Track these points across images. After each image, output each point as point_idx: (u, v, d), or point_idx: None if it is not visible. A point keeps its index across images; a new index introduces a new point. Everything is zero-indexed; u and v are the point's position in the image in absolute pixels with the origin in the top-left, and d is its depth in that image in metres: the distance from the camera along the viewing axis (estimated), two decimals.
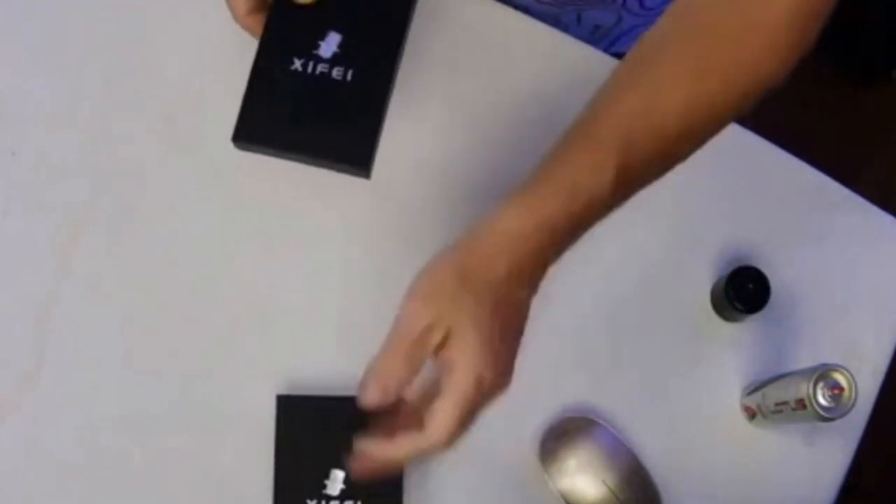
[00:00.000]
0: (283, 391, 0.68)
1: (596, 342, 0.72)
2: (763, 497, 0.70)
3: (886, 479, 1.34)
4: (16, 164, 0.73)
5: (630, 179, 0.53)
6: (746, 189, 0.75)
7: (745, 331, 0.72)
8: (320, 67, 0.60)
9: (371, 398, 0.52)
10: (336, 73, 0.60)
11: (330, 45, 0.61)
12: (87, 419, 0.69)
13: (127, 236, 0.72)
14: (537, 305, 0.73)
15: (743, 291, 0.69)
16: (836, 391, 0.61)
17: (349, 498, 0.65)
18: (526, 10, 0.77)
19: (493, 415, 0.70)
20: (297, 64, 0.60)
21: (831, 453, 0.71)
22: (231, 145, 0.73)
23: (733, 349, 0.72)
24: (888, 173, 1.53)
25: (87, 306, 0.70)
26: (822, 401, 0.60)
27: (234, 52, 0.75)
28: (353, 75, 0.60)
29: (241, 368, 0.70)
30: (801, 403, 0.61)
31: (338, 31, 0.60)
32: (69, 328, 0.70)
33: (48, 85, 0.74)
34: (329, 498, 0.65)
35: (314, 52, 0.60)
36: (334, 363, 0.70)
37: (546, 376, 0.71)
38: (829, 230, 0.75)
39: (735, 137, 0.75)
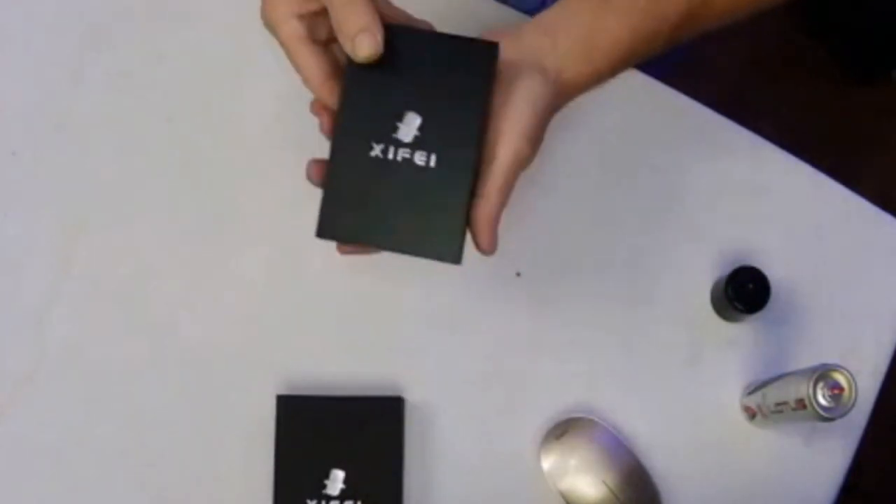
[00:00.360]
0: (283, 391, 0.68)
1: (596, 342, 0.72)
2: (763, 497, 0.70)
3: (886, 479, 1.34)
4: (16, 164, 0.73)
5: (673, 45, 0.61)
6: (746, 189, 0.75)
7: (745, 331, 0.72)
8: (402, 153, 0.56)
9: (490, 244, 0.56)
10: (419, 158, 0.56)
11: (410, 127, 0.56)
12: (86, 419, 0.69)
13: (126, 236, 0.72)
14: (538, 306, 0.73)
15: (743, 291, 0.69)
16: (836, 391, 0.61)
17: (349, 498, 0.65)
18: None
19: (494, 415, 0.71)
20: (377, 150, 0.56)
21: (831, 453, 0.71)
22: (229, 146, 0.74)
23: (733, 349, 0.72)
24: (888, 173, 1.54)
25: (87, 306, 0.70)
26: (822, 401, 0.60)
27: (235, 51, 0.75)
28: (437, 160, 0.56)
29: (241, 368, 0.70)
30: (801, 403, 0.61)
31: (416, 110, 0.56)
32: (69, 328, 0.70)
33: (48, 85, 0.74)
34: (329, 498, 0.65)
35: (393, 135, 0.56)
36: (334, 363, 0.70)
37: (546, 376, 0.71)
38: (829, 230, 0.75)
39: (735, 137, 0.76)
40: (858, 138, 1.59)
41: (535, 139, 0.57)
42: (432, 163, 0.56)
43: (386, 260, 0.70)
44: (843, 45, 1.60)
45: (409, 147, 0.56)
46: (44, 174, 0.73)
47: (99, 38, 0.75)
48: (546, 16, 0.60)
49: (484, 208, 0.55)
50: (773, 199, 0.75)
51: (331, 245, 0.72)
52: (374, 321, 0.71)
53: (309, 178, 0.57)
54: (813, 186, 0.76)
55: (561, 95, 0.58)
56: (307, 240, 0.72)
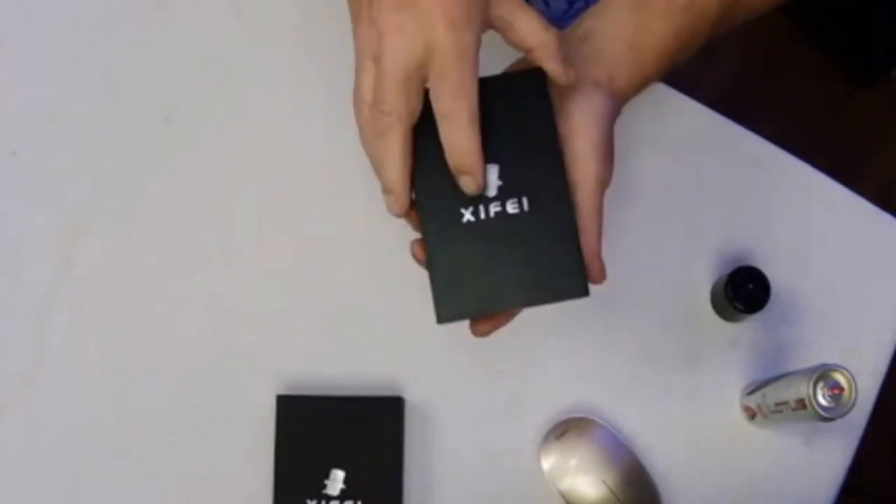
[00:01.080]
0: (283, 391, 0.68)
1: (596, 342, 0.72)
2: (763, 497, 0.70)
3: (886, 479, 1.34)
4: (16, 164, 0.73)
5: (710, 40, 0.61)
6: (746, 189, 0.75)
7: (745, 331, 0.72)
8: (493, 208, 0.54)
9: (601, 273, 0.56)
10: (511, 207, 0.54)
11: (491, 178, 0.54)
12: (86, 419, 0.69)
13: (127, 236, 0.72)
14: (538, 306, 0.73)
15: (743, 291, 0.69)
16: (836, 391, 0.60)
17: (349, 498, 0.65)
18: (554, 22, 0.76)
19: (494, 415, 0.71)
20: (468, 215, 0.54)
21: (831, 453, 0.71)
22: (229, 146, 0.74)
23: (733, 349, 0.72)
24: (888, 173, 1.54)
25: (87, 306, 0.70)
26: (822, 401, 0.60)
27: (235, 51, 0.75)
28: (530, 201, 0.54)
29: (241, 368, 0.70)
30: (801, 403, 0.61)
31: (491, 160, 0.54)
32: (69, 328, 0.70)
33: (48, 85, 0.74)
34: (329, 498, 0.65)
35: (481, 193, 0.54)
36: (334, 363, 0.70)
37: (546, 376, 0.71)
38: (829, 230, 0.75)
39: (735, 137, 0.76)
40: (858, 138, 1.59)
41: (608, 155, 0.55)
42: (525, 206, 0.54)
43: (384, 260, 0.71)
44: (843, 45, 1.60)
45: (497, 200, 0.54)
46: (44, 174, 0.73)
47: (99, 38, 0.75)
48: (582, 24, 0.59)
49: (586, 241, 0.54)
50: (772, 199, 0.75)
51: (330, 245, 0.73)
52: (374, 321, 0.71)
53: (416, 259, 0.55)
54: (813, 186, 0.75)
55: (617, 104, 0.57)
56: (307, 239, 0.72)
